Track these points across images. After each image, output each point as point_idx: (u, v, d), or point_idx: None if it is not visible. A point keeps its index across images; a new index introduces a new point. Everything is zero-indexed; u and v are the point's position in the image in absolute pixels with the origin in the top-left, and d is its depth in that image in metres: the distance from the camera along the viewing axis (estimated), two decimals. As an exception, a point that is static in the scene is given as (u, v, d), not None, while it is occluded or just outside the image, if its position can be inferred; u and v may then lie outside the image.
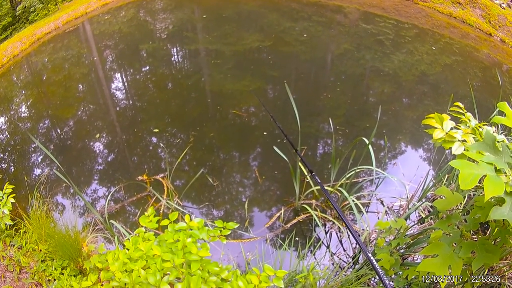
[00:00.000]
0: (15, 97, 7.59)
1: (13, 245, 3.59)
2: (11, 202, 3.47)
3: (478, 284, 2.36)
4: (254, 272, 2.22)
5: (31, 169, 5.03)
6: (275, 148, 3.61)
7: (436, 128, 1.98)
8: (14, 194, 3.51)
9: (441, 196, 2.38)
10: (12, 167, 5.17)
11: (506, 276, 2.56)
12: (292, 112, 3.29)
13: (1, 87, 7.99)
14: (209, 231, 2.18)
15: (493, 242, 1.88)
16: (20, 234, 3.71)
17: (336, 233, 3.53)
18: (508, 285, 2.55)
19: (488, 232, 2.19)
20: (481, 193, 2.92)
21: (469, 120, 2.03)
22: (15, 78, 8.42)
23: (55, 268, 3.30)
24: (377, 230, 3.23)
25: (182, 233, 2.16)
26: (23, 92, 7.78)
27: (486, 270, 2.49)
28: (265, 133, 4.80)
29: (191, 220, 2.21)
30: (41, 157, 5.22)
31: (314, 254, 3.31)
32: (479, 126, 1.99)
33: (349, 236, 3.45)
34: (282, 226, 3.54)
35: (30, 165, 5.11)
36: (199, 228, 2.18)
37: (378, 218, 3.62)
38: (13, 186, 3.55)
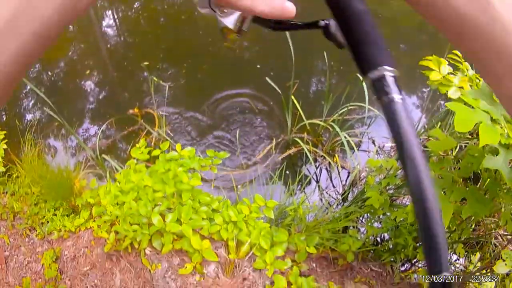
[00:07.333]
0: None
1: (6, 192, 3.56)
2: (3, 149, 3.43)
3: (465, 235, 2.40)
4: (244, 203, 2.25)
5: (23, 114, 4.93)
6: (267, 79, 3.57)
7: (434, 70, 1.95)
8: (6, 140, 3.46)
9: (435, 138, 2.39)
10: (4, 115, 5.07)
11: (493, 234, 2.59)
12: (286, 47, 3.22)
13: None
14: (200, 160, 2.18)
15: (484, 193, 1.89)
16: (12, 179, 3.67)
17: (327, 169, 3.55)
18: (494, 243, 2.59)
19: (478, 184, 2.20)
20: (474, 143, 2.91)
21: (467, 70, 2.00)
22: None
23: (48, 210, 3.27)
24: (367, 169, 3.26)
25: (173, 163, 2.15)
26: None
27: (473, 224, 2.53)
28: (258, 66, 4.73)
29: (182, 149, 2.21)
30: (33, 101, 5.12)
31: (304, 189, 3.34)
32: (476, 77, 1.96)
33: (339, 173, 3.48)
34: (273, 159, 3.55)
35: (22, 111, 5.01)
36: (190, 157, 2.18)
37: (369, 157, 3.63)
38: (5, 132, 3.50)
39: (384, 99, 0.37)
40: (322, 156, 3.53)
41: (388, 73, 0.38)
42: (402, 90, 0.38)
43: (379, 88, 0.38)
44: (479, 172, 2.01)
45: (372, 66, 0.39)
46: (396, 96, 0.37)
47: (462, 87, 1.88)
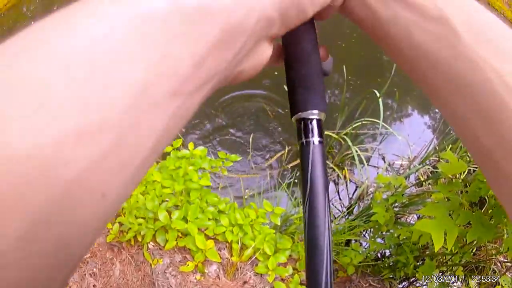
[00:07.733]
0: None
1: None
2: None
3: (466, 259, 2.39)
4: (252, 207, 2.26)
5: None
6: (285, 87, 3.58)
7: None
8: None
9: (446, 160, 2.38)
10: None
11: (493, 260, 2.58)
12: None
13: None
14: (211, 161, 2.20)
15: (489, 219, 1.89)
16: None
17: (335, 181, 3.54)
18: (494, 269, 2.58)
19: (484, 209, 2.20)
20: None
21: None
22: None
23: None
24: (375, 184, 3.25)
25: (184, 161, 2.17)
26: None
27: (475, 249, 2.52)
28: (276, 73, 4.74)
29: (194, 148, 2.23)
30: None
31: (310, 199, 3.34)
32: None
33: (347, 186, 3.47)
34: (283, 166, 3.55)
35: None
36: (201, 157, 2.19)
37: (378, 173, 3.63)
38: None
39: (302, 140, 0.39)
40: (331, 168, 3.52)
41: (314, 116, 0.40)
42: (323, 134, 0.40)
43: (300, 129, 0.41)
44: (486, 197, 2.01)
45: (300, 109, 0.41)
46: (315, 139, 0.39)
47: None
